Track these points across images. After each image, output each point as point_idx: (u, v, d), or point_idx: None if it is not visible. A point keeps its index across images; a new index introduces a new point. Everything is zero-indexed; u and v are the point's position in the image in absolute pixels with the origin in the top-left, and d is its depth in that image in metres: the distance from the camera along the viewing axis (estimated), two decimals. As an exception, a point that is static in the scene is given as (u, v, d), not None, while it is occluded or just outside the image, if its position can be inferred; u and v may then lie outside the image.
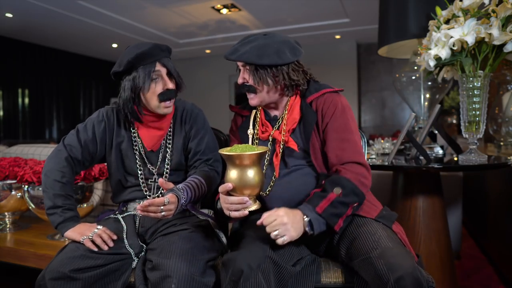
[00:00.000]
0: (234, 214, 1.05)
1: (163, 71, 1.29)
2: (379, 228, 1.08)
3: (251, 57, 1.15)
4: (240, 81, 1.22)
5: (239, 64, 1.21)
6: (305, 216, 1.03)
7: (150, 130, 1.37)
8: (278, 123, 1.26)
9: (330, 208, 1.04)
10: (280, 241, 0.99)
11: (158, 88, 1.28)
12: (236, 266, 1.01)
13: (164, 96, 1.28)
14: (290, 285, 1.06)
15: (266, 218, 1.01)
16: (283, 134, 1.22)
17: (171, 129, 1.39)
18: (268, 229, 1.00)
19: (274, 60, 1.15)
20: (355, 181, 1.09)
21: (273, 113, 1.29)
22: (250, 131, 1.14)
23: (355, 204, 1.09)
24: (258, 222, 1.02)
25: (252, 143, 1.25)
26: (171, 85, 1.30)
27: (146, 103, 1.30)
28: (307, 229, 1.03)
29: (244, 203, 1.04)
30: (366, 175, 1.14)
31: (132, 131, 1.38)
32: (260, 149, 1.05)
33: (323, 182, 1.11)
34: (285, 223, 0.99)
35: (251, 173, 1.02)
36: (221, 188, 1.05)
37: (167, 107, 1.31)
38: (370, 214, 1.16)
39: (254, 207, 1.05)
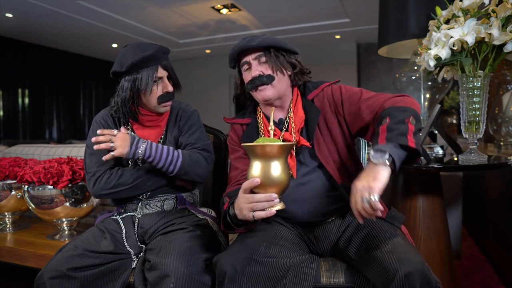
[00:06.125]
0: (259, 214, 0.94)
1: (164, 74, 1.33)
2: (390, 227, 1.10)
3: (273, 42, 1.18)
4: (256, 73, 1.18)
5: (251, 58, 1.19)
6: (376, 159, 0.93)
7: (146, 128, 1.39)
8: (286, 125, 1.25)
9: (389, 134, 0.99)
10: (373, 201, 0.88)
11: (158, 90, 1.32)
12: (220, 267, 1.01)
13: (164, 98, 1.33)
14: (288, 283, 1.04)
15: (356, 207, 0.91)
16: (293, 134, 1.21)
17: (167, 127, 1.41)
18: (359, 208, 0.90)
19: (291, 47, 1.21)
20: (392, 104, 1.08)
21: (277, 116, 1.27)
22: (271, 127, 1.02)
23: (410, 118, 1.02)
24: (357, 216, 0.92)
25: None
26: (170, 88, 1.34)
27: (145, 104, 1.33)
28: (388, 163, 0.92)
29: (272, 200, 0.93)
30: (403, 96, 1.12)
31: (129, 129, 1.39)
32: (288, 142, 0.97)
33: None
34: (367, 188, 0.89)
35: (279, 168, 0.93)
36: (246, 184, 0.94)
37: (165, 106, 1.36)
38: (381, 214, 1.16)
39: (279, 206, 0.95)
